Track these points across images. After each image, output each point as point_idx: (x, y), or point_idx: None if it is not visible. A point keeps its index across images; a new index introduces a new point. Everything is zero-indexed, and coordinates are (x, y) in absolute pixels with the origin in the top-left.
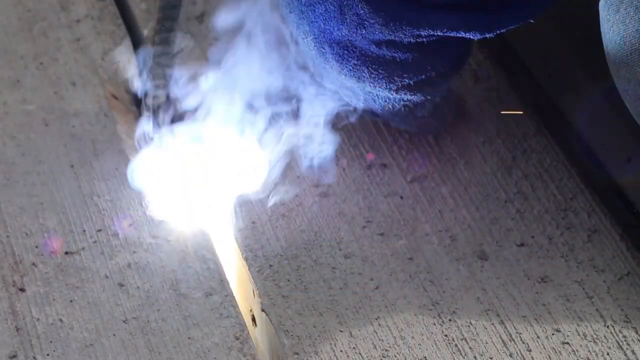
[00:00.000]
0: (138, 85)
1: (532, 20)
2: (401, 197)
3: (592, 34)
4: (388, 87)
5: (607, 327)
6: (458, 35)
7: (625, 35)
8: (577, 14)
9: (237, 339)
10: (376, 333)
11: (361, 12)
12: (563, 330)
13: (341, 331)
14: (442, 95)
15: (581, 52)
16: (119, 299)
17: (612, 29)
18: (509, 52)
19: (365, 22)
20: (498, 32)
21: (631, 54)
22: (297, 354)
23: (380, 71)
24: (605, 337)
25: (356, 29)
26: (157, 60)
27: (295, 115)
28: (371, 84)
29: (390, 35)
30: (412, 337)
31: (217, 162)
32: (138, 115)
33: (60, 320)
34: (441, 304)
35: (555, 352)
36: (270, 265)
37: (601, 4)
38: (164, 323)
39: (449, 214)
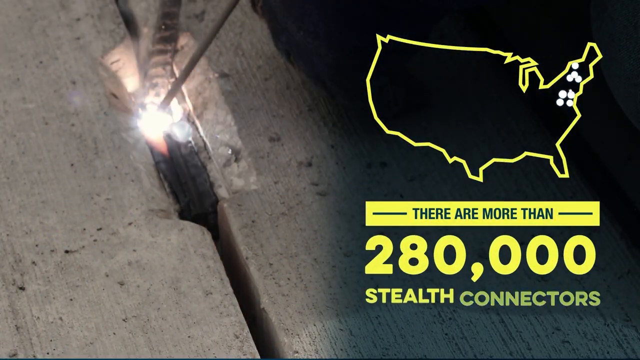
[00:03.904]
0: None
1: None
2: (401, 196)
3: (592, 32)
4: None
5: (607, 325)
6: (429, 4)
7: (613, 33)
8: (578, 12)
9: (237, 337)
10: (376, 331)
11: None
12: (563, 328)
13: (341, 330)
14: (393, 71)
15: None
16: (119, 297)
17: (601, 26)
18: (509, 52)
19: None
20: (473, 5)
21: (619, 51)
22: (296, 352)
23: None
24: (605, 336)
25: None
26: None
27: None
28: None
29: None
30: (412, 336)
31: None
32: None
33: (61, 318)
34: (441, 303)
35: (556, 351)
36: (270, 264)
37: (591, 2)
38: (164, 321)
39: None
